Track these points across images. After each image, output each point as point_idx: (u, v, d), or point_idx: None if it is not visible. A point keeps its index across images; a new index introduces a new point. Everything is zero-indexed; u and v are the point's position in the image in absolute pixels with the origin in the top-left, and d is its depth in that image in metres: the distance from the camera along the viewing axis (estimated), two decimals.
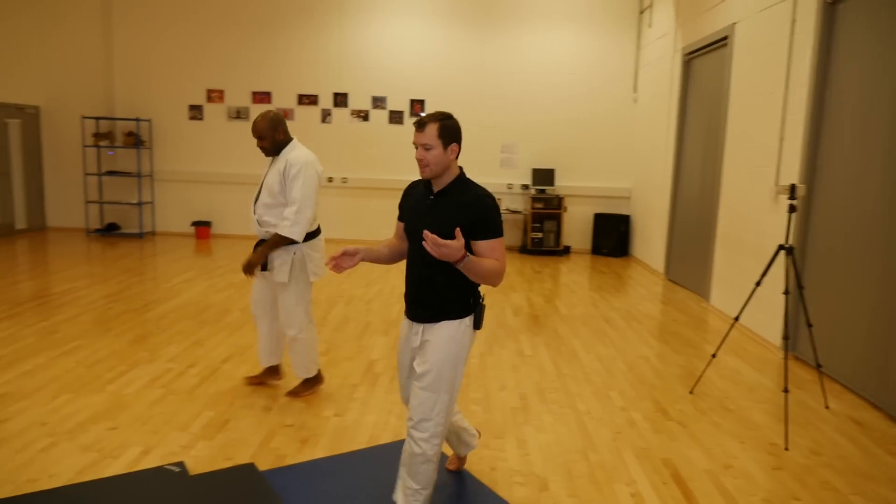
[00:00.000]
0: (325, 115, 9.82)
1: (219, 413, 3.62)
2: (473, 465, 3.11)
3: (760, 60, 5.63)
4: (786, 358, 3.72)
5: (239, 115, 9.88)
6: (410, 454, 2.41)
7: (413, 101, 9.67)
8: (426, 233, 2.12)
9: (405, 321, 2.56)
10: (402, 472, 2.47)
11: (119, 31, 9.88)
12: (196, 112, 9.95)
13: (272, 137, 3.59)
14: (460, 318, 2.39)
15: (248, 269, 3.63)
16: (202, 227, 9.97)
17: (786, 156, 5.13)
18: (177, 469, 2.97)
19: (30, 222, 10.09)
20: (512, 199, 9.95)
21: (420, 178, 2.50)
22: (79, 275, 7.12)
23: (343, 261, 2.43)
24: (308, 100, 9.81)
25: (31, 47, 9.84)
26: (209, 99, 9.90)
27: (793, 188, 3.72)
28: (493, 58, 9.66)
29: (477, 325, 2.43)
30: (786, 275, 3.81)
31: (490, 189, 9.85)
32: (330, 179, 9.90)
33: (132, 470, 2.96)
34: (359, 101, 9.78)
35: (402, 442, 3.33)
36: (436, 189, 2.40)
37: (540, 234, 9.63)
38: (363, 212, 9.98)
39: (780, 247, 3.80)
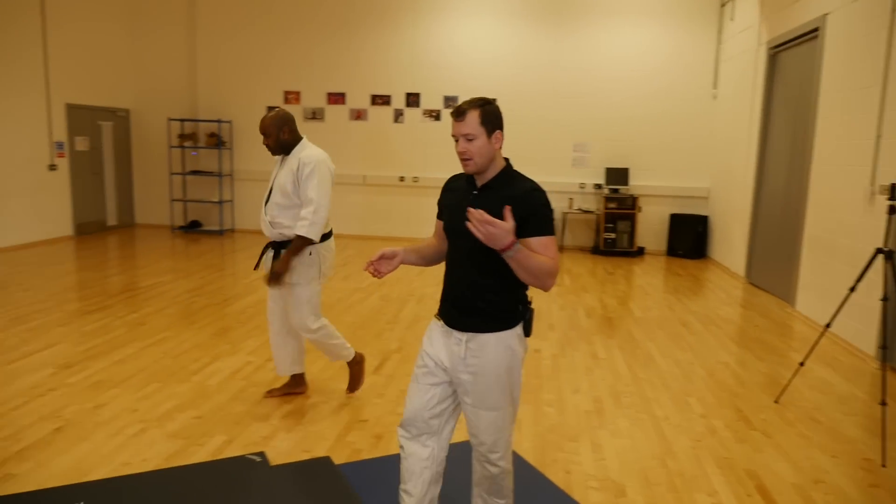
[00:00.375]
0: (398, 115, 9.93)
1: (297, 406, 3.72)
2: (548, 468, 3.07)
3: (855, 53, 5.32)
4: (883, 369, 3.50)
5: (315, 115, 10.12)
6: (489, 476, 2.27)
7: None
8: (471, 210, 1.89)
9: (438, 325, 2.26)
10: (479, 491, 2.36)
11: (202, 37, 10.30)
12: None
13: (276, 136, 3.45)
14: (510, 327, 2.14)
15: (275, 279, 3.43)
16: None
17: (883, 154, 4.83)
18: (258, 459, 3.07)
19: (120, 219, 10.66)
20: (584, 199, 9.79)
21: (462, 171, 2.26)
22: (164, 269, 7.47)
23: (381, 265, 2.24)
24: (381, 100, 9.94)
25: (122, 54, 10.39)
26: (286, 100, 10.19)
27: (893, 188, 3.49)
28: (566, 55, 9.53)
29: (527, 331, 2.19)
30: (884, 280, 3.58)
31: (562, 189, 9.75)
32: (401, 179, 10.01)
33: (216, 458, 3.07)
34: (431, 100, 9.85)
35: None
36: (479, 183, 2.15)
37: (613, 235, 9.43)
38: (434, 211, 10.02)
39: (878, 250, 3.57)
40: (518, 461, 3.05)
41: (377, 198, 10.17)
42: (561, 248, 9.78)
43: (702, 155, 9.48)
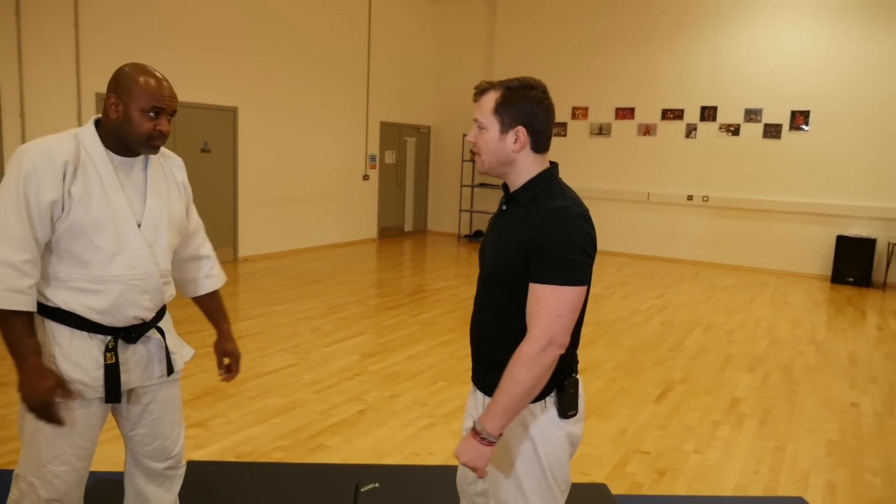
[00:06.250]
0: (690, 130, 9.34)
1: None
2: None
3: None
4: None
5: (601, 131, 10.02)
6: None
7: (795, 113, 8.59)
8: (455, 452, 1.55)
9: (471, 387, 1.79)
10: None
11: (500, 56, 10.86)
12: (560, 129, 10.38)
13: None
14: (535, 399, 1.57)
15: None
16: None
17: None
18: None
19: (415, 226, 11.74)
20: None
21: None
22: (450, 275, 7.99)
23: None
24: (672, 114, 9.45)
25: (427, 75, 11.47)
26: (573, 116, 10.25)
27: None
28: None
29: (562, 410, 1.58)
30: None
31: None
32: (689, 198, 9.39)
33: None
34: (729, 114, 9.07)
35: (778, 499, 2.90)
36: (508, 195, 1.67)
37: None
38: (725, 234, 9.22)
39: None
40: None
41: (661, 216, 9.68)
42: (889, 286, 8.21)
43: None
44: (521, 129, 1.55)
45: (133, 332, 1.82)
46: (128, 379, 1.83)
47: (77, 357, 1.74)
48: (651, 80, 9.58)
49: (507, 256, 1.54)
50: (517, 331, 1.52)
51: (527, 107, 1.54)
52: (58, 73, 6.21)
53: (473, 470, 1.52)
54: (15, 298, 1.63)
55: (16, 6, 5.85)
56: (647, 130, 9.65)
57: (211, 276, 2.06)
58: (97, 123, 1.78)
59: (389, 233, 11.09)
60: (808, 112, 8.48)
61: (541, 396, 1.57)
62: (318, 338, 5.07)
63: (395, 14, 10.51)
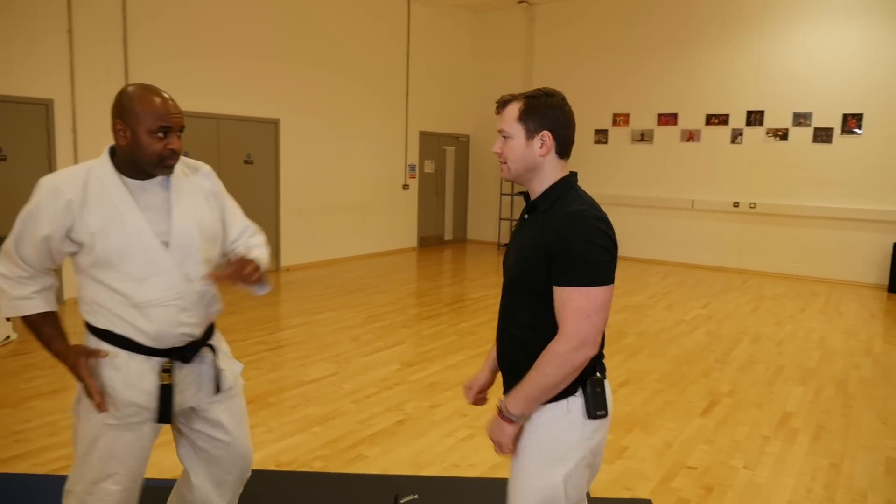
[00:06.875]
0: (736, 136, 9.12)
1: (616, 438, 3.55)
2: None
3: None
4: None
5: (643, 137, 9.86)
6: None
7: (847, 116, 8.30)
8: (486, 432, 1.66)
9: None
10: None
11: (539, 64, 10.81)
12: (601, 136, 10.26)
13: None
14: (558, 399, 1.59)
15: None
16: None
17: None
18: None
19: (454, 234, 11.73)
20: None
21: None
22: (490, 284, 7.94)
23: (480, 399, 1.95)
24: (717, 119, 9.25)
25: (466, 84, 11.48)
26: (615, 123, 10.11)
27: None
28: None
29: (590, 411, 1.58)
30: None
31: None
32: (736, 204, 9.15)
33: None
34: (776, 118, 8.83)
35: None
36: (530, 202, 1.71)
37: None
38: (773, 241, 8.95)
39: None
40: None
41: (706, 224, 9.46)
42: None
43: None
44: (547, 134, 1.62)
45: (188, 352, 1.83)
46: (182, 399, 1.85)
47: (134, 379, 1.77)
48: (694, 85, 9.40)
49: (530, 263, 1.58)
50: (539, 337, 1.57)
51: (549, 113, 1.63)
52: (108, 90, 6.40)
53: (498, 445, 1.64)
54: (22, 305, 1.75)
55: (68, 25, 6.07)
56: (690, 136, 9.45)
57: (253, 247, 1.96)
58: (113, 152, 1.78)
59: (429, 242, 11.11)
60: (861, 115, 8.19)
61: (571, 392, 1.59)
62: (358, 347, 5.09)
63: (433, 23, 10.56)
